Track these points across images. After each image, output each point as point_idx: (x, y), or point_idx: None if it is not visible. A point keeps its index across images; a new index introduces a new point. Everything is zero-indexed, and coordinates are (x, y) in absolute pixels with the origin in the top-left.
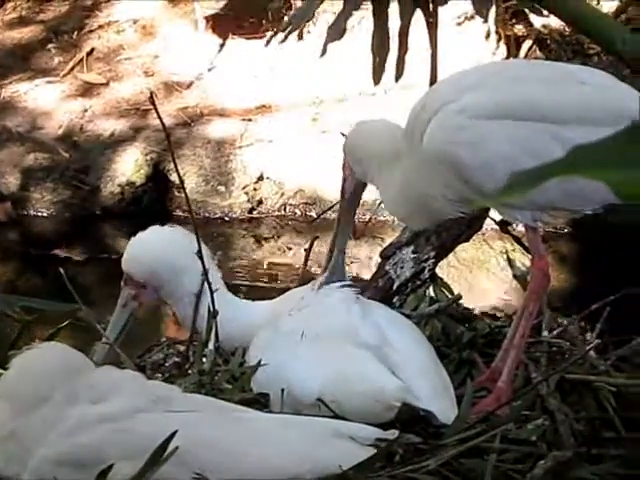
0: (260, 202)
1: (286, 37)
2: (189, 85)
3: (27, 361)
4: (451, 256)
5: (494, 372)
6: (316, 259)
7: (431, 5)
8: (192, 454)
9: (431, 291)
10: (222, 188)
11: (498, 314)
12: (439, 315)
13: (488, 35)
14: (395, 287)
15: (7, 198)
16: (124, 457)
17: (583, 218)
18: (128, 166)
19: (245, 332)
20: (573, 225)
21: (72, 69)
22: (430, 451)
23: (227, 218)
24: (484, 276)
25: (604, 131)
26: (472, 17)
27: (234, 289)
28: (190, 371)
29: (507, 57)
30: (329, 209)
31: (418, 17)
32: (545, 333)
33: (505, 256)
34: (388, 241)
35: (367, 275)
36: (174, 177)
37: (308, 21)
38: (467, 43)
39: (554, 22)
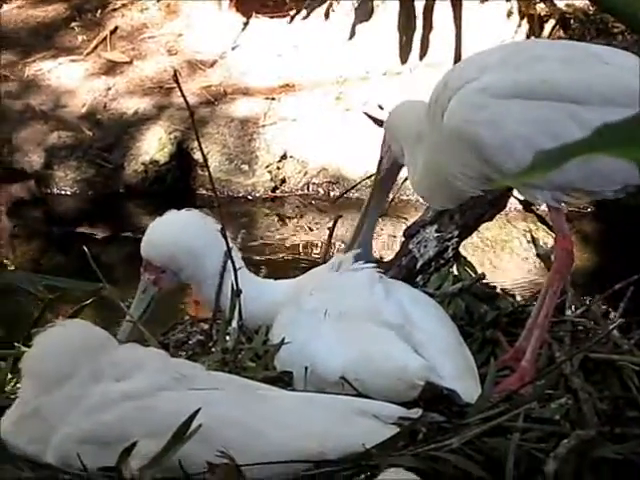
0: (283, 181)
1: (308, 14)
2: (213, 64)
3: (50, 339)
4: (475, 236)
5: (518, 351)
6: (339, 238)
7: None
8: (215, 432)
9: (455, 270)
10: (245, 167)
11: (522, 293)
12: (462, 294)
13: (511, 14)
14: (419, 266)
15: (31, 176)
16: (147, 435)
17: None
18: (152, 145)
19: (268, 310)
20: (596, 205)
21: (96, 47)
22: (453, 430)
23: (250, 197)
24: (507, 256)
25: (624, 112)
26: None
27: (257, 267)
28: (213, 349)
29: (530, 36)
30: (352, 188)
31: None
32: (569, 312)
33: (529, 236)
34: (412, 220)
35: (391, 254)
36: (198, 156)
37: None
38: (490, 22)
39: (578, 1)
